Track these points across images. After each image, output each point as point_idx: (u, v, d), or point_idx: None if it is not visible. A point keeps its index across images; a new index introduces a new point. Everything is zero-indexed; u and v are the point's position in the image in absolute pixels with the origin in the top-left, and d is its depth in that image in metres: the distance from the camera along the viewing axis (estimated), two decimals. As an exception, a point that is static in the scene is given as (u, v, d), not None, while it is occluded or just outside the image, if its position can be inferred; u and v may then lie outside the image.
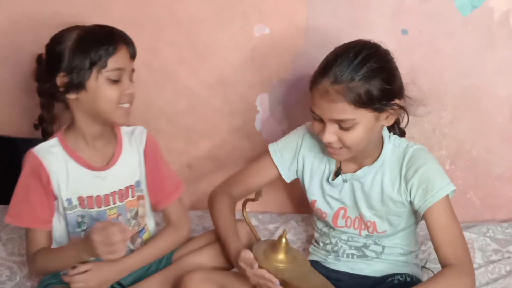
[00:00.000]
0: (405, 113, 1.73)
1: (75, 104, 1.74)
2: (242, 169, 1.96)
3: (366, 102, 1.61)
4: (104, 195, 1.79)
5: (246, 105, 2.22)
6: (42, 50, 1.76)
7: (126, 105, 1.74)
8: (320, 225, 1.90)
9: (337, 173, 1.79)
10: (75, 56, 1.68)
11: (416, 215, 1.79)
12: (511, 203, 2.19)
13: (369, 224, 1.79)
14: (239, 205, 1.84)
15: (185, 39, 2.14)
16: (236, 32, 2.14)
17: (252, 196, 1.76)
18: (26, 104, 2.19)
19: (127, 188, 1.83)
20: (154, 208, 1.91)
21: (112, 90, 1.70)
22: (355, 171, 1.77)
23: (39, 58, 1.78)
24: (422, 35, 2.07)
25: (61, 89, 1.72)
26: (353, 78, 1.59)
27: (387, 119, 1.67)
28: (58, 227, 1.79)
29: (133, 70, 1.76)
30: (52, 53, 1.73)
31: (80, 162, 1.76)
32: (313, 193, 1.84)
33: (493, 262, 1.99)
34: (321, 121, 1.66)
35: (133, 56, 1.75)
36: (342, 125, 1.63)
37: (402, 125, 1.80)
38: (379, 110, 1.64)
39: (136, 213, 1.85)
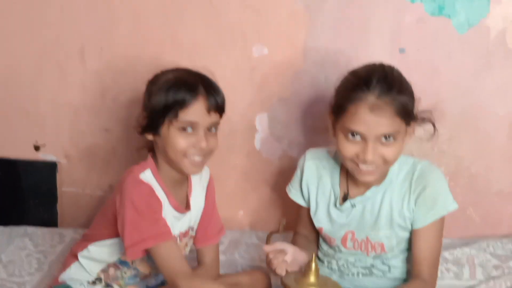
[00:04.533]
0: (433, 126, 1.75)
1: (155, 146, 1.74)
2: None
3: (406, 114, 1.64)
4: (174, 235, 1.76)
5: (245, 124, 2.23)
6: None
7: (197, 158, 1.70)
8: (325, 247, 1.89)
9: (344, 198, 1.79)
10: (155, 100, 1.68)
11: None
12: (511, 219, 2.20)
13: (376, 245, 1.79)
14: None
15: (185, 61, 2.12)
16: (236, 53, 2.16)
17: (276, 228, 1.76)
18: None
19: (189, 228, 1.83)
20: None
21: (180, 140, 1.67)
22: (363, 193, 1.77)
23: None
24: (420, 53, 2.09)
25: (140, 128, 1.72)
26: (396, 90, 1.62)
27: (410, 133, 1.70)
28: (109, 252, 1.78)
29: (215, 123, 1.72)
30: (145, 91, 1.74)
31: (171, 203, 1.75)
32: (320, 221, 1.84)
33: (493, 278, 1.99)
34: (359, 141, 1.64)
35: (213, 109, 1.70)
36: (386, 140, 1.63)
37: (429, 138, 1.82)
38: (410, 123, 1.67)
39: (190, 251, 1.85)
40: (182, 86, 1.67)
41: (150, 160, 1.75)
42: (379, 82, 1.61)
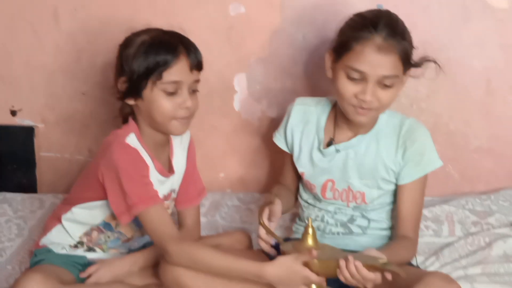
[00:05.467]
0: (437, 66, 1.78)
1: (136, 109, 1.72)
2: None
3: (407, 59, 1.68)
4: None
5: (223, 85, 2.21)
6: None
7: (184, 118, 1.70)
8: (305, 196, 1.89)
9: (329, 143, 1.80)
10: (134, 63, 1.65)
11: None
12: (490, 175, 2.21)
13: (358, 195, 1.80)
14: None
15: (160, 19, 2.08)
16: (212, 11, 2.13)
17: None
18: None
19: (171, 191, 1.82)
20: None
21: (166, 102, 1.66)
22: (348, 140, 1.79)
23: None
24: (397, 9, 2.05)
25: (120, 94, 1.69)
26: (401, 35, 1.67)
27: (404, 82, 1.73)
28: (93, 214, 1.77)
29: (196, 81, 1.72)
30: (120, 56, 1.71)
31: (156, 167, 1.74)
32: (302, 165, 1.85)
33: (472, 234, 2.01)
34: (359, 81, 1.66)
35: (195, 67, 1.70)
36: (386, 83, 1.66)
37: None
38: (407, 70, 1.71)
39: (171, 213, 1.83)
40: (162, 46, 1.66)
41: (132, 124, 1.73)
42: (386, 25, 1.65)
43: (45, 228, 1.84)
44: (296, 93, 2.17)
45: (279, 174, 2.23)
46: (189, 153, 1.87)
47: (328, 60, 1.74)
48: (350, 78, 1.67)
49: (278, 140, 1.91)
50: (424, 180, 1.78)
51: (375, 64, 1.64)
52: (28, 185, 2.32)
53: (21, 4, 2.18)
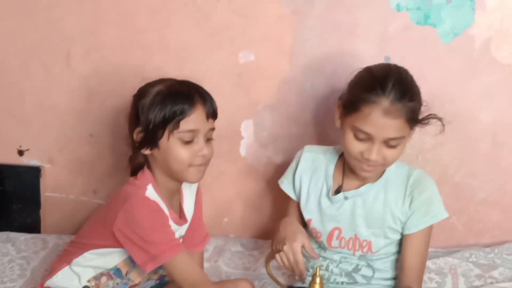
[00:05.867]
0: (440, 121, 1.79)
1: (151, 159, 1.72)
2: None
3: (415, 119, 1.70)
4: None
5: (231, 130, 2.22)
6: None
7: (201, 166, 1.71)
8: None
9: (337, 191, 1.81)
10: (150, 113, 1.66)
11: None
12: (495, 228, 2.20)
13: (364, 243, 1.80)
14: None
15: (172, 65, 2.16)
16: (222, 58, 2.16)
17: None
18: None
19: (180, 237, 1.82)
20: None
21: (183, 150, 1.68)
22: (357, 188, 1.80)
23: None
24: (405, 62, 2.08)
25: (136, 144, 1.71)
26: (409, 97, 1.67)
27: (411, 136, 1.75)
28: (107, 260, 1.76)
29: (212, 129, 1.74)
30: (134, 106, 1.72)
31: (172, 217, 1.75)
32: (309, 211, 1.86)
33: (475, 287, 1.99)
34: (366, 140, 1.68)
35: (211, 116, 1.72)
36: (392, 143, 1.68)
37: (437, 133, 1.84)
38: (414, 126, 1.72)
39: None
40: (178, 96, 1.67)
41: (148, 174, 1.73)
42: (394, 86, 1.65)
43: (51, 271, 1.82)
44: (303, 140, 2.18)
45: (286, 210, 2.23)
46: (197, 199, 1.88)
47: (337, 111, 1.76)
48: (357, 137, 1.69)
49: (286, 186, 1.92)
50: (429, 230, 1.79)
51: (381, 127, 1.65)
52: (32, 225, 2.32)
53: (34, 45, 2.20)
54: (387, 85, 1.65)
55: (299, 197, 1.89)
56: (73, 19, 2.17)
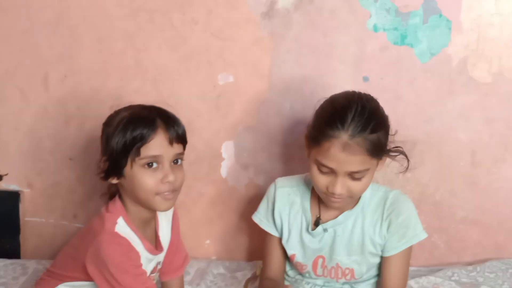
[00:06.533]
0: (405, 157, 1.77)
1: (121, 188, 1.69)
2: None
3: (379, 151, 1.65)
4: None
5: (211, 152, 2.22)
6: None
7: (168, 193, 1.66)
8: (293, 273, 1.89)
9: (316, 223, 1.80)
10: (113, 141, 1.63)
11: None
12: (476, 246, 2.21)
13: (347, 271, 1.80)
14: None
15: (150, 88, 2.16)
16: (201, 80, 2.16)
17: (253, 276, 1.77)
18: None
19: (157, 263, 1.79)
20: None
21: (147, 178, 1.63)
22: (335, 217, 1.78)
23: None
24: (384, 82, 2.11)
25: (102, 174, 1.67)
26: (369, 130, 1.61)
27: (381, 165, 1.71)
28: None
29: (179, 154, 1.68)
30: (102, 135, 1.69)
31: (146, 247, 1.71)
32: (293, 247, 1.83)
33: (459, 306, 2.00)
34: (329, 174, 1.65)
35: (175, 141, 1.66)
36: (356, 176, 1.64)
37: (402, 170, 1.83)
38: (382, 157, 1.68)
39: (156, 282, 1.80)
40: (139, 122, 1.63)
41: (119, 204, 1.70)
42: (354, 119, 1.61)
43: None
44: (283, 161, 2.19)
45: (265, 247, 2.22)
46: (173, 223, 1.85)
47: (305, 141, 1.74)
48: (321, 171, 1.66)
49: (267, 226, 1.88)
50: (409, 252, 1.78)
51: (341, 162, 1.62)
52: (11, 251, 2.29)
53: (11, 68, 2.19)
54: (346, 118, 1.61)
55: (281, 234, 1.86)
56: (49, 44, 2.17)
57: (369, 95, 1.71)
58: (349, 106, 1.63)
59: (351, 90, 1.72)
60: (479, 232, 2.20)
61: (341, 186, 1.64)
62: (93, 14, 2.14)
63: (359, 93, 1.70)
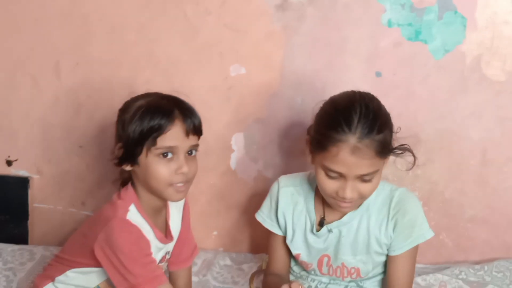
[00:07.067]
0: (413, 156, 1.74)
1: (134, 175, 1.69)
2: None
3: (386, 151, 1.62)
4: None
5: (221, 144, 2.22)
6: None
7: (180, 184, 1.67)
8: (298, 269, 1.88)
9: (320, 224, 1.78)
10: (129, 129, 1.62)
11: None
12: (484, 245, 2.20)
13: (352, 271, 1.79)
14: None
15: (161, 79, 2.15)
16: (213, 71, 2.15)
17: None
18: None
19: (166, 253, 1.80)
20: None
21: (162, 168, 1.63)
22: (340, 218, 1.76)
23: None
24: (396, 78, 2.10)
25: (116, 160, 1.67)
26: (376, 131, 1.58)
27: (386, 163, 1.68)
28: (88, 279, 1.73)
29: (194, 146, 1.68)
30: (118, 120, 1.69)
31: (157, 236, 1.71)
32: (297, 247, 1.82)
33: (465, 304, 2.00)
34: (338, 178, 1.62)
35: (192, 132, 1.66)
36: (366, 178, 1.61)
37: (408, 167, 1.80)
38: (388, 156, 1.65)
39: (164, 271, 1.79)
40: (157, 111, 1.63)
41: (131, 191, 1.70)
42: (360, 121, 1.57)
43: (35, 285, 1.80)
44: (293, 155, 2.18)
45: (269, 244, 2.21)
46: (184, 214, 1.85)
47: (306, 146, 1.70)
48: (329, 176, 1.62)
49: (270, 225, 1.86)
50: (415, 250, 1.76)
51: (351, 166, 1.58)
52: (19, 236, 2.30)
53: (23, 56, 2.20)
54: (352, 120, 1.57)
55: (285, 233, 1.84)
56: (61, 32, 2.17)
57: (369, 93, 1.67)
58: (353, 107, 1.59)
59: (350, 90, 1.68)
60: (488, 231, 2.19)
61: (351, 190, 1.61)
62: (106, 4, 2.14)
63: (360, 93, 1.66)
